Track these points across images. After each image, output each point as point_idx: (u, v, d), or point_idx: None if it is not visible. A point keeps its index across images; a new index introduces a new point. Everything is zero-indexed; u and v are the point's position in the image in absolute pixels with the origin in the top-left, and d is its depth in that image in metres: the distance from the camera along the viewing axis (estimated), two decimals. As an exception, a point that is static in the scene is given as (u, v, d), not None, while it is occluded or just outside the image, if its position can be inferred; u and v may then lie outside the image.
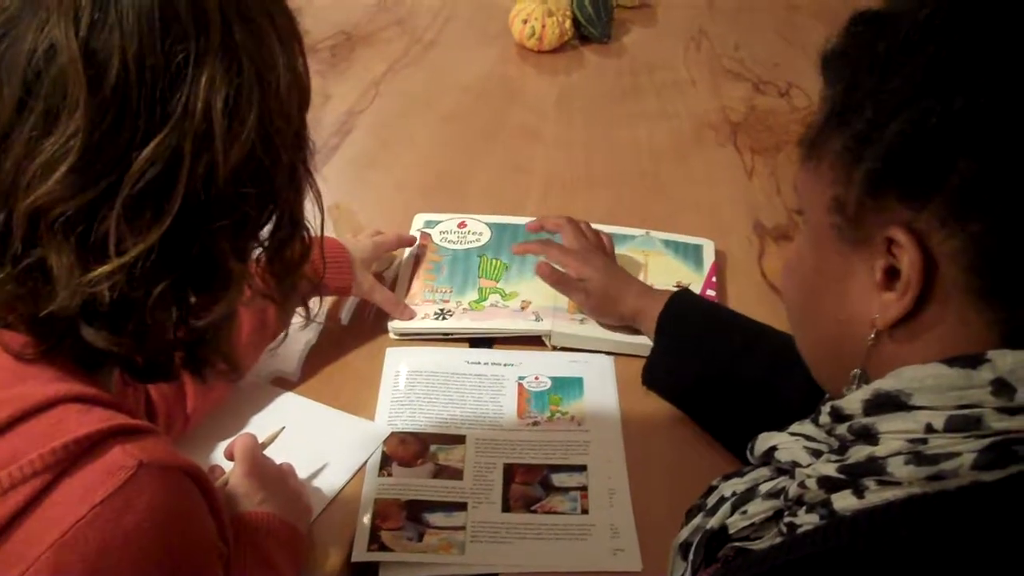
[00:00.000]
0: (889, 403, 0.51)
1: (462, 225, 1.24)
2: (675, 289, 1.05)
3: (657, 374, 1.01)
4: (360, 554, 0.84)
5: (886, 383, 0.52)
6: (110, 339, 0.54)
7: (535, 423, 0.99)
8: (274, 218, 0.59)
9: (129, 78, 0.50)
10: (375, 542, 0.85)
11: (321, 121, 1.54)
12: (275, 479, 0.86)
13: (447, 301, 1.12)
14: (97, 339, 0.53)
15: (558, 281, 1.08)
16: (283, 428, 0.92)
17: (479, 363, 1.06)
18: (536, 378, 1.04)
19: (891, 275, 0.51)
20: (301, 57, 0.60)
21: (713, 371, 0.96)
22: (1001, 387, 0.48)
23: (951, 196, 0.48)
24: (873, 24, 0.53)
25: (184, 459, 0.56)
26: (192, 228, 0.53)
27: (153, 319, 0.54)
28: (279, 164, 0.57)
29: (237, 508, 0.81)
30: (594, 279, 1.07)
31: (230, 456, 0.87)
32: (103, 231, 0.51)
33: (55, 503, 0.50)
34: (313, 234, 0.64)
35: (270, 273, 0.62)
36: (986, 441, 0.47)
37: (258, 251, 0.61)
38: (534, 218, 1.19)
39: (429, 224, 1.24)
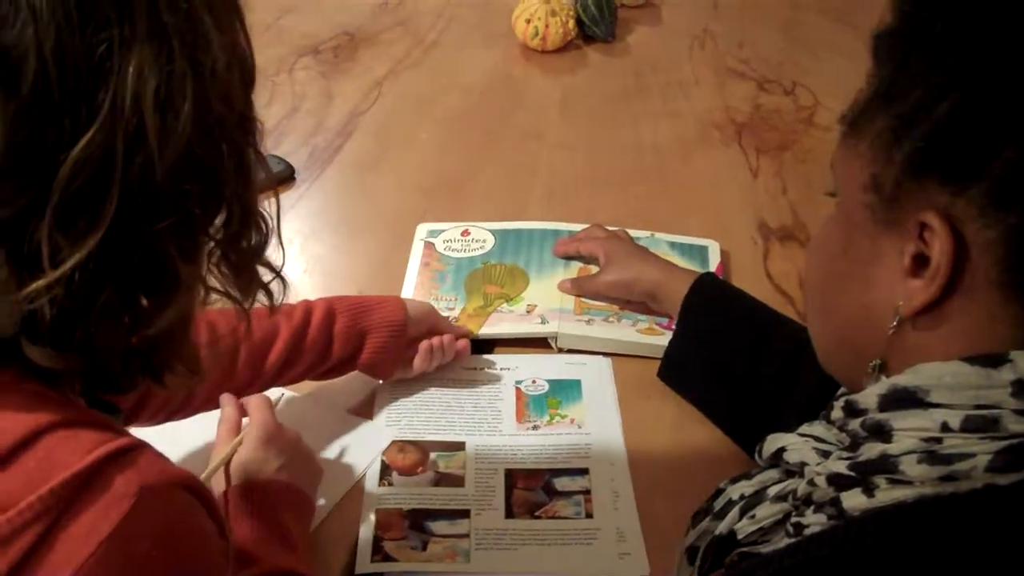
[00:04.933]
0: (906, 399, 0.50)
1: (465, 233, 1.23)
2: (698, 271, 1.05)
3: (677, 361, 0.99)
4: (364, 565, 0.83)
5: (903, 379, 0.50)
6: (53, 356, 0.50)
7: (535, 427, 0.98)
8: (223, 211, 0.55)
9: (49, 76, 0.45)
10: (378, 552, 0.84)
11: (324, 122, 1.53)
12: (290, 443, 0.84)
13: (452, 309, 1.10)
14: (39, 357, 0.50)
15: (579, 285, 1.12)
16: (283, 394, 0.93)
17: (475, 368, 1.05)
18: (533, 381, 1.03)
19: (920, 262, 0.50)
20: (242, 32, 0.54)
21: (734, 359, 0.94)
22: (1021, 389, 0.47)
23: (992, 184, 0.47)
24: (929, 4, 0.51)
25: (178, 471, 0.54)
26: (132, 232, 0.49)
27: (99, 331, 0.50)
28: (222, 154, 0.53)
29: (255, 475, 0.80)
30: (619, 250, 1.11)
31: (242, 411, 0.86)
32: (36, 242, 0.47)
33: (62, 543, 0.47)
34: (270, 223, 0.59)
35: (226, 268, 0.58)
36: (1002, 443, 0.46)
37: (211, 246, 0.56)
38: (538, 221, 1.24)
39: (432, 234, 1.23)
